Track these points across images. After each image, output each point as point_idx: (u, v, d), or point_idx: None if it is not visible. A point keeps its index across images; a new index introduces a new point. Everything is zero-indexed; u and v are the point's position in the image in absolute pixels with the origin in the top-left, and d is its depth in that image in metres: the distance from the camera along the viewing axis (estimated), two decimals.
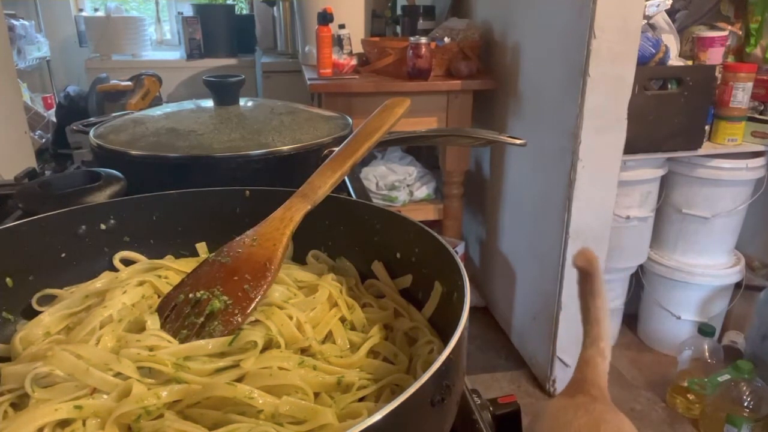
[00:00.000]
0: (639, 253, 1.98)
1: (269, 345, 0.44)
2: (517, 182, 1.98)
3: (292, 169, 0.71)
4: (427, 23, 2.29)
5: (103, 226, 0.56)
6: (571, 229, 1.65)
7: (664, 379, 1.88)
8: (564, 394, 0.79)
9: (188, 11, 3.52)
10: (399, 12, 2.48)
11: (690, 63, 1.84)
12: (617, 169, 1.62)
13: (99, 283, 0.53)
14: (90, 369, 0.39)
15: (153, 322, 0.46)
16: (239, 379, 0.40)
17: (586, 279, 0.79)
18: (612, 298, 2.02)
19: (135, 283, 0.51)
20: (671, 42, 1.76)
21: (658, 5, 1.70)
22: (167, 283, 0.53)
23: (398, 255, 0.54)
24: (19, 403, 0.40)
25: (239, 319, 0.46)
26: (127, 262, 0.57)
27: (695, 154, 1.79)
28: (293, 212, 0.52)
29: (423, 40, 1.86)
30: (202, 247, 0.60)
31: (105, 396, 0.39)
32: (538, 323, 1.87)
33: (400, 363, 0.44)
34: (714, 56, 1.81)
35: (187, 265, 0.55)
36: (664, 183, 1.93)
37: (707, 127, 1.81)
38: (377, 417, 0.29)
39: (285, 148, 0.71)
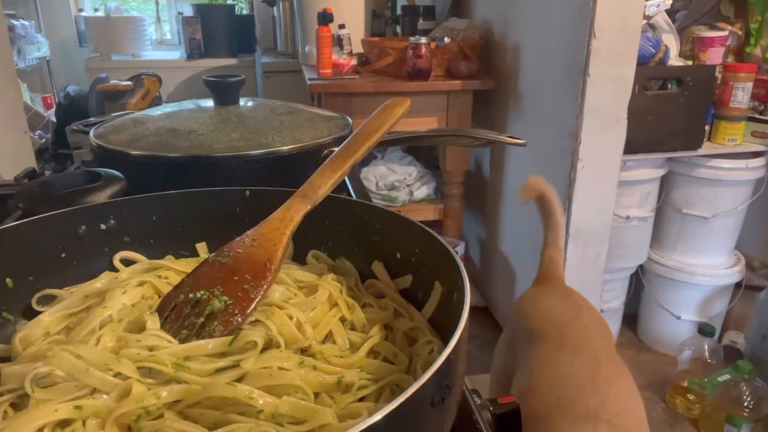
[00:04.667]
0: (639, 253, 1.98)
1: (269, 345, 0.44)
2: (517, 182, 1.98)
3: (292, 169, 0.71)
4: (427, 23, 2.29)
5: (103, 226, 0.56)
6: (571, 229, 1.65)
7: (664, 379, 1.88)
8: (538, 284, 0.95)
9: (188, 11, 3.52)
10: (399, 12, 2.48)
11: (690, 63, 1.84)
12: (617, 169, 1.62)
13: (99, 283, 0.53)
14: (90, 369, 0.39)
15: (153, 322, 0.46)
16: (239, 379, 0.40)
17: (544, 199, 0.97)
18: (612, 298, 2.02)
19: (135, 284, 0.51)
20: (671, 42, 1.76)
21: (658, 5, 1.70)
22: (167, 283, 0.53)
23: (398, 255, 0.54)
24: (19, 403, 0.40)
25: (239, 319, 0.46)
26: (127, 263, 0.57)
27: (695, 154, 1.79)
28: (293, 212, 0.52)
29: (423, 40, 1.86)
30: (202, 247, 0.60)
31: (105, 396, 0.39)
32: None
33: (400, 363, 0.44)
34: (714, 56, 1.81)
35: (187, 265, 0.55)
36: (664, 183, 1.93)
37: (707, 127, 1.81)
38: (377, 417, 0.29)
39: (285, 148, 0.71)
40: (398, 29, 2.50)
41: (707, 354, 1.74)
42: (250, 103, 0.84)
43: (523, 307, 0.89)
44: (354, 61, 2.04)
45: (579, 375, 0.71)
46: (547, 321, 0.82)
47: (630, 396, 0.74)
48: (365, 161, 2.22)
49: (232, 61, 3.45)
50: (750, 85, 1.74)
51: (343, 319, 0.49)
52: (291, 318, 0.47)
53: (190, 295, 0.48)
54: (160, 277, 0.54)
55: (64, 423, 0.37)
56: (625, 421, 0.67)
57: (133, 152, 0.70)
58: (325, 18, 1.91)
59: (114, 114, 0.90)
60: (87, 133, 0.78)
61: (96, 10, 3.75)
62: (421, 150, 2.41)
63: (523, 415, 0.53)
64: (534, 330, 0.80)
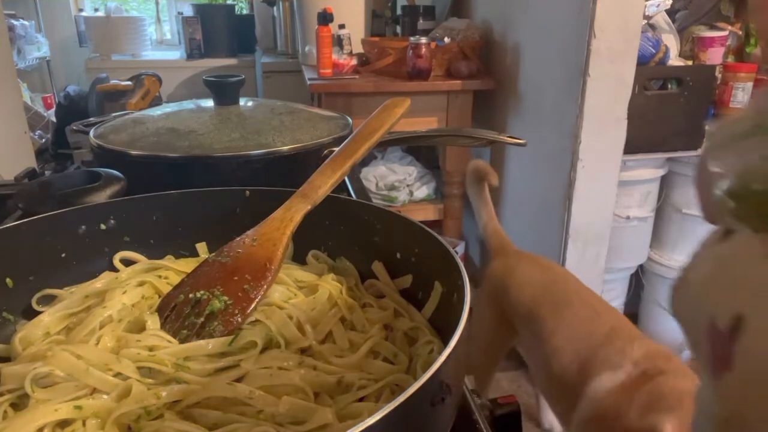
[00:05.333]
0: (639, 253, 1.98)
1: (269, 345, 0.44)
2: (517, 182, 1.98)
3: (292, 169, 0.71)
4: (427, 23, 2.29)
5: (103, 226, 0.56)
6: (571, 229, 1.65)
7: None
8: (498, 257, 1.07)
9: (188, 11, 3.52)
10: (399, 12, 2.48)
11: (690, 63, 1.84)
12: (617, 169, 1.62)
13: (99, 283, 0.53)
14: (90, 369, 0.39)
15: (153, 322, 0.46)
16: (239, 379, 0.40)
17: (478, 180, 1.12)
18: (612, 298, 2.02)
19: (135, 284, 0.51)
20: (671, 42, 1.76)
21: (658, 5, 1.70)
22: (167, 283, 0.53)
23: (398, 255, 0.54)
24: (19, 403, 0.40)
25: (239, 319, 0.46)
26: (127, 262, 0.57)
27: (695, 154, 1.79)
28: (293, 212, 0.52)
29: (423, 40, 1.86)
30: (202, 247, 0.60)
31: (105, 396, 0.39)
32: None
33: (400, 363, 0.44)
34: (714, 56, 1.81)
35: (187, 265, 0.55)
36: (664, 183, 1.93)
37: (707, 127, 1.80)
38: (377, 417, 0.29)
39: (285, 148, 0.71)
40: (398, 29, 2.50)
41: None
42: (250, 103, 0.84)
43: (496, 284, 1.01)
44: (354, 61, 2.04)
45: (582, 321, 0.82)
46: (531, 290, 0.93)
47: (625, 320, 0.85)
48: (365, 161, 2.21)
49: (232, 61, 3.45)
50: (750, 85, 1.74)
51: (343, 319, 0.49)
52: (291, 318, 0.47)
53: (190, 295, 0.48)
54: (160, 277, 0.54)
55: (64, 423, 0.37)
56: (637, 332, 0.78)
57: (133, 152, 0.70)
58: (325, 18, 1.91)
59: (114, 114, 0.90)
60: (87, 133, 0.78)
61: (96, 10, 3.75)
62: (421, 150, 2.41)
63: (550, 378, 0.59)
64: (524, 303, 0.91)
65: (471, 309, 0.38)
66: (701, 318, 0.40)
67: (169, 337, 0.45)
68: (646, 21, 1.71)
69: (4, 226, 0.51)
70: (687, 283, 0.45)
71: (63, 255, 0.54)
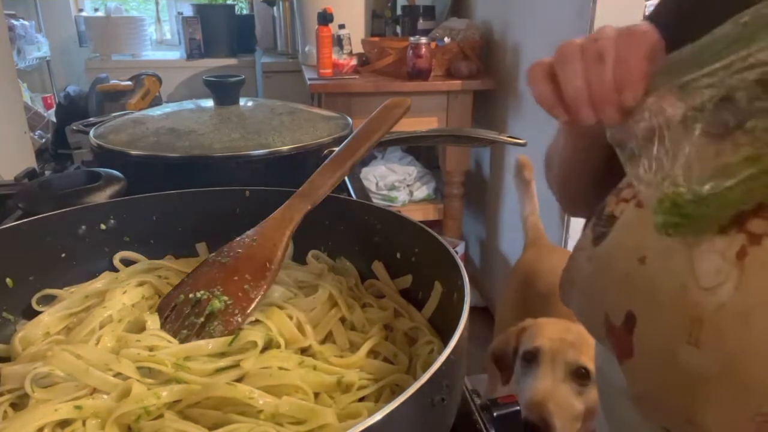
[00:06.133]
0: None
1: (269, 345, 0.44)
2: None
3: (292, 169, 0.71)
4: (427, 23, 2.29)
5: (103, 226, 0.56)
6: (571, 229, 1.65)
7: None
8: (531, 248, 1.19)
9: (188, 11, 3.52)
10: (399, 12, 2.49)
11: None
12: None
13: (99, 283, 0.53)
14: (90, 369, 0.39)
15: (153, 322, 0.46)
16: (239, 379, 0.40)
17: (524, 177, 1.25)
18: None
19: (135, 284, 0.51)
20: None
21: None
22: (167, 283, 0.53)
23: (398, 255, 0.54)
24: (19, 403, 0.40)
25: (239, 319, 0.46)
26: (127, 262, 0.57)
27: None
28: (293, 212, 0.52)
29: (423, 40, 1.86)
30: (202, 247, 0.60)
31: (105, 396, 0.39)
32: None
33: (400, 363, 0.44)
34: None
35: (187, 265, 0.55)
36: None
37: None
38: (377, 417, 0.29)
39: (285, 148, 0.71)
40: (398, 29, 2.51)
41: None
42: (250, 103, 0.84)
43: (527, 270, 1.07)
44: (354, 61, 2.04)
45: None
46: (557, 278, 0.99)
47: None
48: (365, 161, 2.22)
49: (232, 61, 3.45)
50: None
51: (343, 319, 0.49)
52: (291, 318, 0.47)
53: (190, 295, 0.48)
54: (160, 277, 0.54)
55: (64, 423, 0.37)
56: None
57: (133, 152, 0.70)
58: (325, 18, 1.91)
59: (114, 114, 0.90)
60: (87, 133, 0.78)
61: (96, 10, 3.75)
62: (421, 150, 2.41)
63: None
64: (546, 287, 0.98)
65: (472, 308, 0.38)
66: (594, 312, 0.41)
67: (169, 337, 0.45)
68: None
69: (4, 226, 0.51)
70: (571, 281, 0.46)
71: (63, 255, 0.54)
